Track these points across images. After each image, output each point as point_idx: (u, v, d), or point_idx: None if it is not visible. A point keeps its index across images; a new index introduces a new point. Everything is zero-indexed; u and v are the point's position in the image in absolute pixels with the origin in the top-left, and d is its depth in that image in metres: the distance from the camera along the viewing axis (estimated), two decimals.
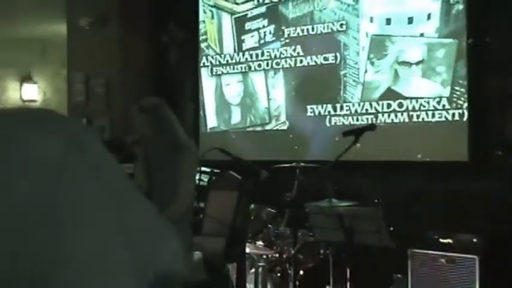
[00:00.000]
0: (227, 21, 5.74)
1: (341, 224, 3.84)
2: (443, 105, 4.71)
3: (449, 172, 4.66)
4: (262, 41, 5.55)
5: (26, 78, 7.01)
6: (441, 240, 4.21)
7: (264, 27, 5.53)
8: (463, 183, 4.53)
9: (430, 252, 4.17)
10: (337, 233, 3.86)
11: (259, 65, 5.58)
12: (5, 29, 5.96)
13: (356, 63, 5.11)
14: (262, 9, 5.54)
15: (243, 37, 5.65)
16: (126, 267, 0.86)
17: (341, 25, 5.16)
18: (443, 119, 4.73)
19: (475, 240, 4.11)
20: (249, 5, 5.61)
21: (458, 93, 4.65)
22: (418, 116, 4.84)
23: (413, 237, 4.29)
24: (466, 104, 4.64)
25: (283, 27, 5.42)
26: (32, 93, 7.06)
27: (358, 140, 3.89)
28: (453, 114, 4.67)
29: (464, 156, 4.59)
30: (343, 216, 3.85)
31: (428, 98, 4.79)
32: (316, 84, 5.30)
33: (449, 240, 4.19)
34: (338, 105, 5.18)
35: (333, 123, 5.20)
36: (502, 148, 4.51)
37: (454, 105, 4.66)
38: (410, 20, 4.86)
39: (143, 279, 0.86)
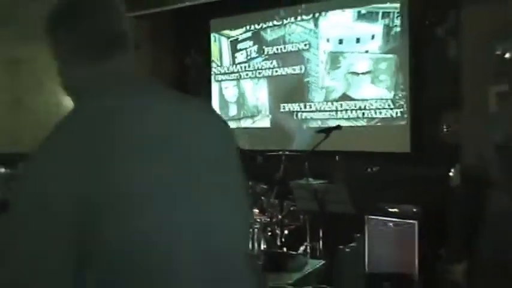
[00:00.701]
0: (225, 43, 6.02)
1: (316, 196, 3.99)
2: (388, 105, 4.87)
3: (397, 159, 4.72)
4: (249, 57, 5.85)
5: None
6: (390, 209, 4.26)
7: (250, 47, 5.83)
8: (406, 167, 4.59)
9: (381, 218, 4.22)
10: (313, 203, 4.02)
11: (247, 74, 5.86)
12: None
13: (317, 73, 5.35)
14: (249, 34, 5.82)
15: (235, 54, 5.95)
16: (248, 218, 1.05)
17: (305, 45, 5.42)
18: (388, 115, 4.87)
19: (414, 209, 4.17)
20: (240, 31, 5.88)
21: (400, 95, 4.80)
22: (368, 114, 4.99)
23: (369, 207, 4.33)
24: (405, 105, 4.75)
25: (263, 47, 5.71)
26: None
27: (328, 136, 4.03)
28: (396, 113, 4.83)
29: (407, 148, 4.71)
30: (317, 190, 4.01)
31: (376, 99, 4.94)
32: (288, 89, 5.56)
33: (396, 210, 4.23)
34: (303, 104, 5.44)
35: (299, 117, 5.44)
36: (436, 142, 4.53)
37: (397, 104, 4.82)
38: (358, 40, 5.03)
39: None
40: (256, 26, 5.77)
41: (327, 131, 4.10)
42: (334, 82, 5.25)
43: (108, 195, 0.85)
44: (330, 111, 5.26)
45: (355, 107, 5.09)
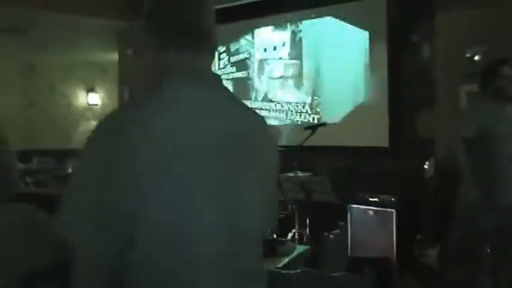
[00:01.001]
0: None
1: (303, 187, 4.04)
2: (306, 110, 5.11)
3: (376, 153, 4.79)
4: (224, 64, 6.42)
5: (91, 89, 7.00)
6: (370, 199, 4.25)
7: (224, 57, 6.42)
8: (384, 160, 4.68)
9: (362, 207, 4.22)
10: (300, 193, 4.07)
11: (223, 77, 6.17)
12: (78, 57, 6.24)
13: (252, 77, 6.00)
14: (224, 48, 6.36)
15: (219, 62, 6.45)
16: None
17: (247, 54, 6.11)
18: (306, 120, 5.08)
19: (392, 199, 4.17)
20: (221, 47, 6.30)
21: (318, 101, 4.98)
22: (291, 115, 5.28)
23: (351, 196, 4.34)
24: (321, 112, 4.88)
25: (230, 57, 6.33)
26: (95, 99, 7.04)
27: (314, 132, 3.99)
28: (313, 118, 5.00)
29: (386, 143, 4.78)
30: (304, 182, 4.05)
31: (295, 103, 5.20)
32: (239, 88, 6.06)
33: (376, 199, 4.24)
34: (248, 102, 5.91)
35: None
36: (411, 138, 4.58)
37: (314, 111, 5.02)
38: (275, 48, 5.44)
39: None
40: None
41: (314, 127, 4.12)
42: (261, 85, 5.89)
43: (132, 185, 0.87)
44: (261, 110, 5.71)
45: (282, 108, 5.48)
